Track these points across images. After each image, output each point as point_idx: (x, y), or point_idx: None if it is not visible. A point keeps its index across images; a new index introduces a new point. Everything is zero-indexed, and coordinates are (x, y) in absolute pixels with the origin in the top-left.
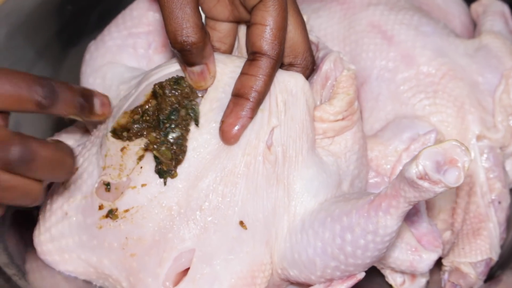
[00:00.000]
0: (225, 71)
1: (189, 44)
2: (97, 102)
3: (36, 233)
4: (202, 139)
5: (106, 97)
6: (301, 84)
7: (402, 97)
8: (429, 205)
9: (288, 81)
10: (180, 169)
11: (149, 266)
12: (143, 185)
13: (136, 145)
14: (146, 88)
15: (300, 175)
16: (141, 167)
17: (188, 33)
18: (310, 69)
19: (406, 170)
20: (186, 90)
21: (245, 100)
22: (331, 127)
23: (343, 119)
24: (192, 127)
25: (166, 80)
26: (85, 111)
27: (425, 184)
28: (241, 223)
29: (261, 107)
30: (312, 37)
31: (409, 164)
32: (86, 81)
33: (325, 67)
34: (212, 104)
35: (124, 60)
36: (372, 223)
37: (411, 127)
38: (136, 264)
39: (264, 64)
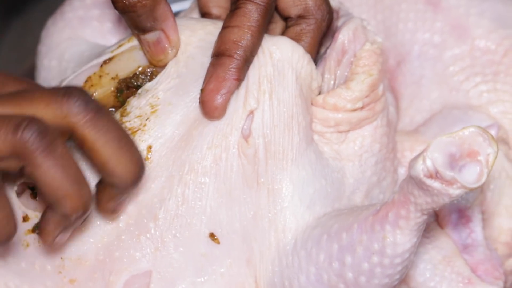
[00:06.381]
0: (192, 39)
1: (131, 2)
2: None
3: None
4: (153, 127)
5: None
6: (288, 54)
7: (452, 80)
8: (487, 223)
9: (274, 52)
10: None
11: None
12: None
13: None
14: (90, 69)
15: (289, 177)
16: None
17: None
18: (327, 21)
19: (411, 166)
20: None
21: (228, 57)
22: (346, 119)
23: (362, 107)
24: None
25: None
26: None
27: (436, 184)
28: (212, 235)
29: None
30: (332, 2)
31: (415, 159)
32: (40, 64)
33: (342, 37)
34: (168, 82)
35: (87, 35)
36: (378, 240)
37: (464, 120)
38: None
39: (249, 12)
